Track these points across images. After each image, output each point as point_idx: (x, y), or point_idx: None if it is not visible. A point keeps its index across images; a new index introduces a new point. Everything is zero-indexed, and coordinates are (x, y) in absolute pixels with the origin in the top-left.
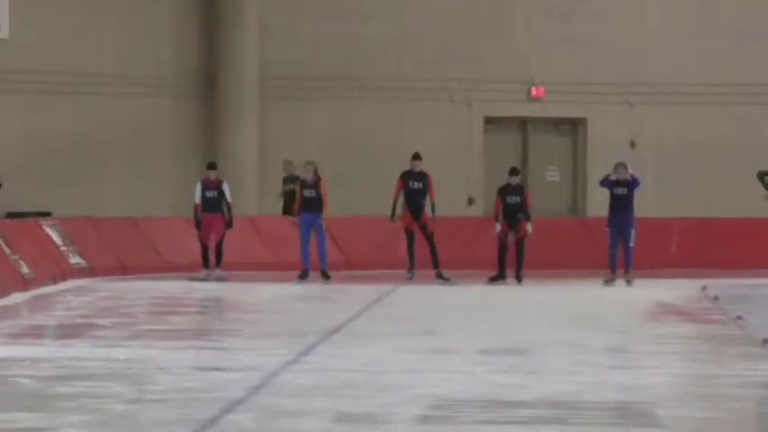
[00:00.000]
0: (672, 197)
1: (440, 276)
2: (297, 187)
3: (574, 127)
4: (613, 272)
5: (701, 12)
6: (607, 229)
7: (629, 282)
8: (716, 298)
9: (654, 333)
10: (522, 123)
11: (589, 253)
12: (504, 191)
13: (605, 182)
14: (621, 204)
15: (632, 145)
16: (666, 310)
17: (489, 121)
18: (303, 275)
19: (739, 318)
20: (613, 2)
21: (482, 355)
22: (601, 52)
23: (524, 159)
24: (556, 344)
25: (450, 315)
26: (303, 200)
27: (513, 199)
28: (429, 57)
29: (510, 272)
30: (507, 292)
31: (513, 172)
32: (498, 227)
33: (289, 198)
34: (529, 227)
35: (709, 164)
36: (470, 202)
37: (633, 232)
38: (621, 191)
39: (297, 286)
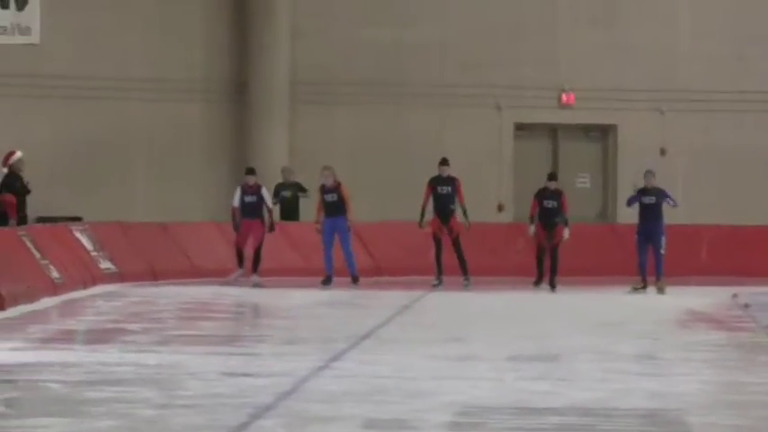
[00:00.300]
0: (703, 204)
1: (465, 281)
2: (317, 193)
3: (604, 133)
4: (644, 280)
5: (733, 17)
6: (636, 237)
7: (660, 289)
8: (746, 305)
9: (684, 340)
10: (553, 130)
11: (619, 259)
12: (542, 194)
13: (631, 200)
14: (650, 213)
15: (662, 152)
16: (696, 318)
17: (520, 127)
18: (326, 281)
19: None
20: (645, 8)
21: (511, 362)
22: (632, 58)
23: (554, 166)
24: (585, 351)
25: (479, 322)
26: (325, 205)
27: (551, 203)
28: (462, 63)
29: (544, 278)
30: (536, 298)
31: (552, 177)
32: (533, 229)
33: (289, 204)
34: (566, 232)
35: (740, 171)
36: (500, 208)
37: (663, 239)
38: (649, 200)
39: (326, 292)
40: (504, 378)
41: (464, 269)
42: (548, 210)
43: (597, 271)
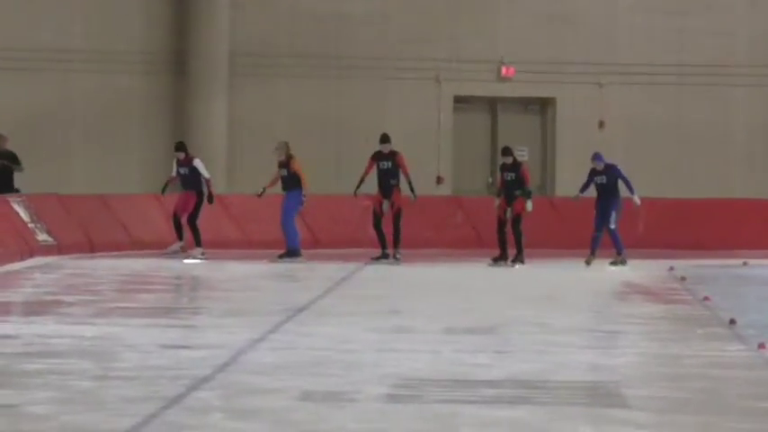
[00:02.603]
0: (640, 177)
1: (394, 256)
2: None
3: (543, 107)
4: (592, 253)
5: None
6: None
7: (614, 263)
8: (683, 278)
9: (621, 313)
10: (492, 103)
11: (557, 232)
12: (503, 168)
13: (585, 186)
14: (603, 192)
15: (601, 125)
16: (634, 291)
17: (459, 100)
18: (284, 254)
19: (706, 298)
20: None
21: (448, 335)
22: (571, 32)
23: (493, 139)
24: (522, 323)
25: (417, 294)
26: (281, 179)
27: (509, 176)
28: (402, 35)
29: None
30: (475, 271)
31: (505, 152)
32: (497, 201)
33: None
34: (528, 204)
35: (678, 144)
36: (439, 181)
37: (614, 214)
38: (601, 179)
39: (264, 265)
40: (441, 350)
41: (396, 242)
42: (507, 182)
43: (536, 244)
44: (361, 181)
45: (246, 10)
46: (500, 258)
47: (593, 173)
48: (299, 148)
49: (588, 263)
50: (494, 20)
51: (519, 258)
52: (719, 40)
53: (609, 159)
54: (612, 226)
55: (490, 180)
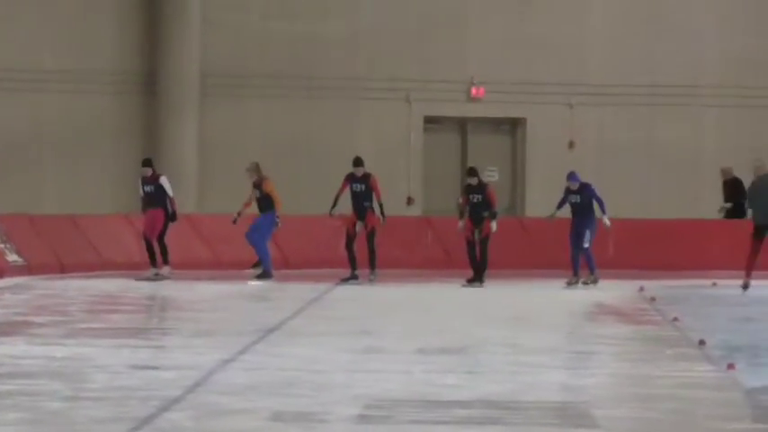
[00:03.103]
0: (610, 198)
1: (369, 277)
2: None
3: (513, 127)
4: (575, 274)
5: (643, 13)
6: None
7: (585, 283)
8: (653, 299)
9: (591, 333)
10: (462, 123)
11: (527, 253)
12: (468, 189)
13: (560, 203)
14: (577, 211)
15: (571, 145)
16: (604, 311)
17: (429, 120)
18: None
19: (676, 319)
20: (558, 2)
21: (419, 355)
22: (541, 52)
23: (464, 159)
24: (493, 344)
25: (388, 315)
26: (256, 200)
27: (476, 197)
28: (372, 56)
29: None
30: (445, 292)
31: (471, 173)
32: (461, 224)
33: None
34: (494, 225)
35: (647, 165)
36: (409, 201)
37: (588, 234)
38: (575, 198)
39: (235, 286)
40: (412, 371)
41: (372, 263)
42: (474, 204)
43: (505, 264)
44: (336, 200)
45: (218, 30)
46: (474, 280)
47: (569, 191)
48: (270, 169)
49: (570, 284)
50: (464, 40)
51: (482, 277)
52: (689, 61)
53: (584, 179)
54: (586, 245)
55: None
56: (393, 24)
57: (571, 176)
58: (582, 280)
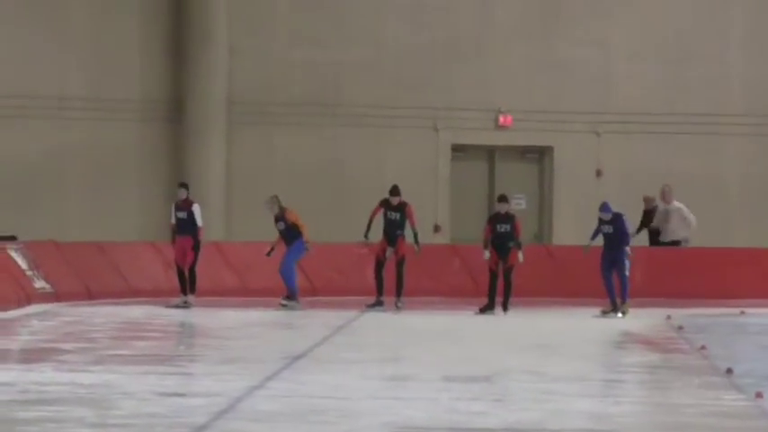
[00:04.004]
0: (636, 226)
1: (396, 304)
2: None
3: (541, 155)
4: (612, 303)
5: (670, 41)
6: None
7: (623, 312)
8: (680, 327)
9: (618, 362)
10: (490, 151)
11: (554, 281)
12: (495, 219)
13: (595, 234)
14: (610, 242)
15: (598, 174)
16: (631, 339)
17: (457, 148)
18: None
19: (703, 347)
20: (581, 31)
21: (446, 382)
22: (568, 81)
23: (491, 187)
24: (520, 372)
25: (415, 342)
26: (280, 234)
27: (504, 227)
28: (399, 84)
29: (498, 300)
30: (472, 319)
31: (502, 199)
32: (487, 254)
33: None
34: (520, 255)
35: (675, 193)
36: (437, 229)
37: (627, 263)
38: (608, 229)
39: (262, 313)
40: (438, 398)
41: (399, 291)
42: (501, 234)
43: (533, 293)
44: (370, 224)
45: (243, 58)
46: (487, 308)
47: (601, 222)
48: (295, 196)
49: (605, 312)
50: (491, 68)
51: (507, 305)
52: (715, 90)
53: (618, 209)
54: (626, 273)
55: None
56: (419, 52)
57: (603, 208)
58: (603, 309)
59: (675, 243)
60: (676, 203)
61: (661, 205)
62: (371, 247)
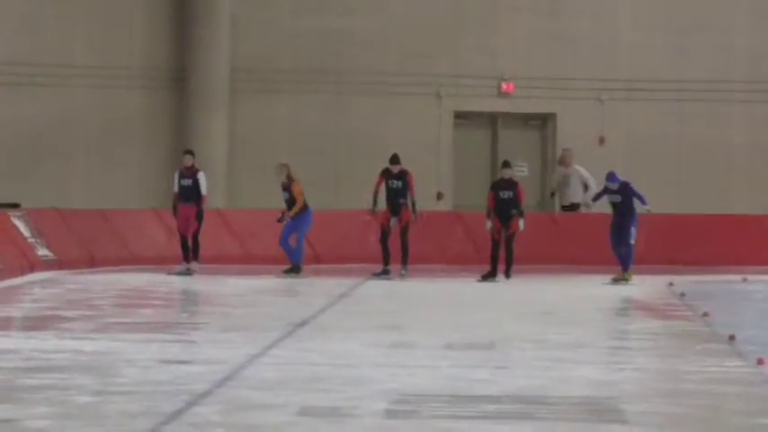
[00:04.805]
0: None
1: (400, 272)
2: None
3: (543, 122)
4: (625, 270)
5: (673, 7)
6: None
7: (625, 279)
8: (683, 294)
9: (620, 329)
10: (493, 118)
11: (557, 248)
12: (498, 185)
13: (597, 197)
14: (617, 211)
15: (601, 141)
16: (633, 306)
17: (459, 116)
18: (288, 270)
19: (705, 314)
20: None
21: (448, 350)
22: (572, 48)
23: (494, 154)
24: (522, 339)
25: (417, 310)
26: (285, 202)
27: (506, 194)
28: (402, 52)
29: (500, 267)
30: (474, 287)
31: (505, 165)
32: (489, 224)
33: None
34: (521, 223)
35: (678, 160)
36: (439, 197)
37: (633, 231)
38: (616, 198)
39: (264, 280)
40: (440, 366)
41: (405, 259)
42: (504, 201)
43: (536, 260)
44: (375, 197)
45: (247, 26)
46: (489, 275)
47: (608, 190)
48: (299, 164)
49: (616, 280)
50: (494, 36)
51: (509, 272)
52: (720, 57)
53: (623, 177)
54: (632, 242)
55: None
56: (423, 20)
57: (611, 177)
58: (614, 277)
59: (575, 206)
60: (576, 166)
61: (560, 169)
62: (376, 217)
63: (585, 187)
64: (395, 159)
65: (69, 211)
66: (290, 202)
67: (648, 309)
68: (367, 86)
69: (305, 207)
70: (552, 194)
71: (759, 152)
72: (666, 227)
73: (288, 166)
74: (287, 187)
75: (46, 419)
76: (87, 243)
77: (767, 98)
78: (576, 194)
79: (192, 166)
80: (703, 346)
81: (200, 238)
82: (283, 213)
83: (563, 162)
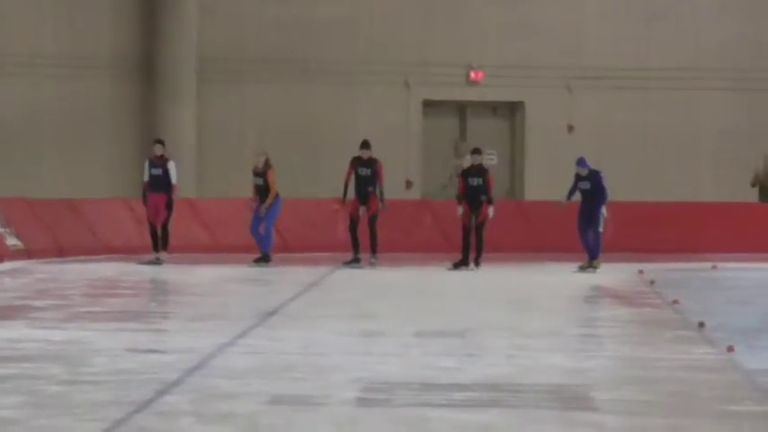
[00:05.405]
0: (609, 181)
1: (370, 261)
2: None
3: (512, 111)
4: (590, 258)
5: None
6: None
7: (594, 267)
8: (652, 282)
9: (590, 316)
10: (461, 107)
11: (526, 236)
12: (467, 172)
13: (571, 192)
14: (587, 197)
15: (570, 129)
16: (603, 294)
17: (428, 104)
18: (257, 259)
19: (675, 302)
20: None
21: (418, 338)
22: (539, 36)
23: (462, 143)
24: (492, 327)
25: (387, 298)
26: (254, 187)
27: (476, 181)
28: (371, 40)
29: (471, 255)
30: (444, 275)
31: (475, 151)
32: (461, 209)
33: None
34: (491, 210)
35: (645, 148)
36: (408, 185)
37: (602, 218)
38: (585, 185)
39: (234, 269)
40: (411, 354)
41: (374, 247)
42: (473, 188)
43: (504, 248)
44: (346, 187)
45: (214, 15)
46: (461, 263)
47: (579, 178)
48: (268, 153)
49: (583, 268)
50: (462, 24)
51: (479, 260)
52: (687, 45)
53: (594, 166)
54: (600, 229)
55: (448, 177)
56: (391, 8)
57: (580, 162)
58: (581, 265)
59: None
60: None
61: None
62: (344, 206)
63: None
64: (365, 145)
65: (38, 201)
66: (263, 189)
67: (618, 296)
68: (335, 75)
69: (275, 195)
70: (445, 186)
71: (726, 140)
72: (635, 215)
73: (268, 155)
74: (262, 173)
75: (15, 409)
76: (56, 233)
77: (734, 86)
78: None
79: (162, 156)
80: (673, 334)
81: (170, 228)
82: (258, 204)
83: (461, 155)
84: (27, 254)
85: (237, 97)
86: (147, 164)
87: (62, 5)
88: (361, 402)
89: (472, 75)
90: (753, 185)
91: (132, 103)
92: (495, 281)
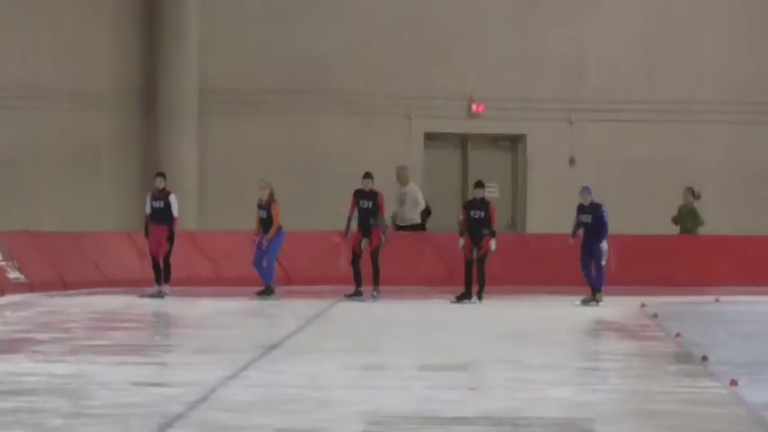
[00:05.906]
0: (611, 214)
1: (372, 294)
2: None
3: (513, 143)
4: (593, 292)
5: (641, 28)
6: (580, 252)
7: (597, 301)
8: (655, 315)
9: (593, 350)
10: (463, 139)
11: (528, 269)
12: (470, 205)
13: (575, 229)
14: (589, 230)
15: (571, 162)
16: (606, 327)
17: (430, 137)
18: (261, 292)
19: (678, 335)
20: (554, 18)
21: (421, 371)
22: (541, 69)
23: (464, 175)
24: (495, 360)
25: (390, 331)
26: (258, 219)
27: (477, 214)
28: (372, 73)
29: (473, 288)
30: (445, 309)
31: (478, 185)
32: (462, 241)
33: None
34: (493, 243)
35: (647, 181)
36: None
37: (605, 252)
38: (586, 218)
39: (236, 302)
40: (414, 387)
41: (376, 280)
42: (475, 220)
43: (505, 280)
44: (349, 220)
45: (215, 48)
46: (463, 296)
47: (581, 209)
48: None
49: (585, 301)
50: (463, 57)
51: (481, 294)
52: (688, 78)
53: (598, 198)
54: (603, 263)
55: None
56: (391, 40)
57: (585, 190)
58: (584, 298)
59: (416, 227)
60: (412, 185)
61: (397, 188)
62: (346, 239)
63: (423, 207)
64: (367, 176)
65: (41, 234)
66: (267, 222)
67: (621, 330)
68: (336, 107)
69: (278, 230)
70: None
71: (729, 173)
72: (638, 247)
73: (271, 187)
74: (266, 206)
75: None
76: (59, 266)
77: (736, 118)
78: (411, 214)
79: (164, 189)
80: (676, 367)
81: (172, 261)
82: (261, 238)
83: (400, 180)
84: (29, 287)
85: (239, 130)
86: (148, 197)
87: (62, 39)
88: None
89: (473, 107)
90: (675, 222)
91: (134, 136)
92: (498, 314)
